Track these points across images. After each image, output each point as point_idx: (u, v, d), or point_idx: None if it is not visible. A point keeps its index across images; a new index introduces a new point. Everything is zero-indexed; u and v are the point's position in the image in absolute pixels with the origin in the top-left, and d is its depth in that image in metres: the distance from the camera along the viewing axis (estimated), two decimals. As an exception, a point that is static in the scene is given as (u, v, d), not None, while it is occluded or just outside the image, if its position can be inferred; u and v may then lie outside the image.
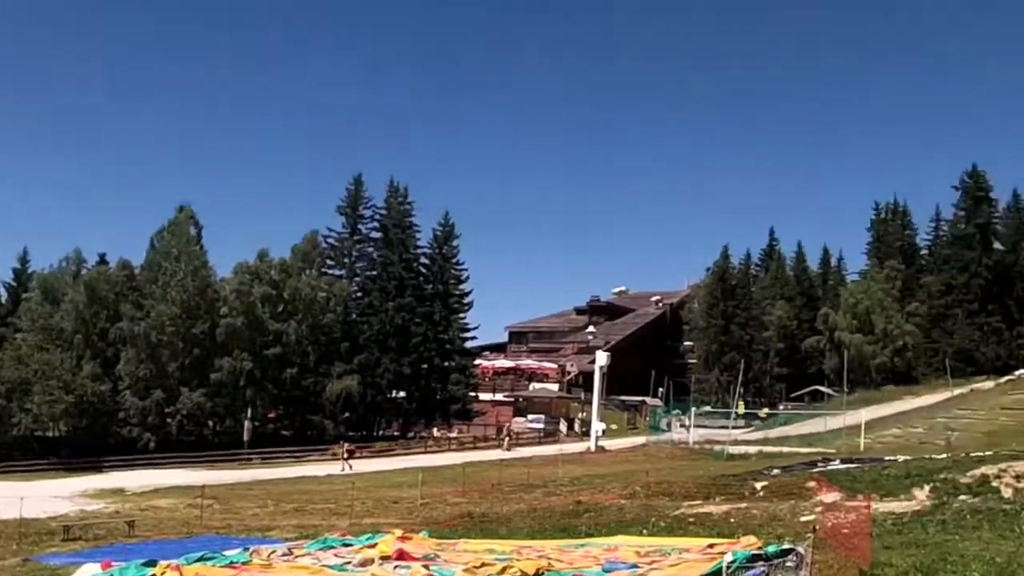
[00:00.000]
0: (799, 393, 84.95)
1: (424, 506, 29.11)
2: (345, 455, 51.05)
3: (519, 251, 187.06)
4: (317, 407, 67.89)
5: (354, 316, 74.77)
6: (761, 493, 22.08)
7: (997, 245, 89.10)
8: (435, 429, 71.69)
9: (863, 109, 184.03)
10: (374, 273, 78.20)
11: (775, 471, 26.18)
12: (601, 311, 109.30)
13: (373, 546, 16.74)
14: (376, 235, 79.65)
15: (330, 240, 79.70)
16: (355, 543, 17.87)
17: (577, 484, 32.22)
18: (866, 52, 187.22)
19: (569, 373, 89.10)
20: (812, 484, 21.76)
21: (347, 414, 69.87)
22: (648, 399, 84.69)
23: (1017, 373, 70.64)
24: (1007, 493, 18.20)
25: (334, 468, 48.70)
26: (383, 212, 79.39)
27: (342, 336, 71.42)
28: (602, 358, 58.86)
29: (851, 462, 27.07)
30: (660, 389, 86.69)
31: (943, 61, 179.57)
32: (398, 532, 18.35)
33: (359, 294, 78.05)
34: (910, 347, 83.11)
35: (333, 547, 17.68)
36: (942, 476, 19.90)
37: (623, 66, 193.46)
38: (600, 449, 54.94)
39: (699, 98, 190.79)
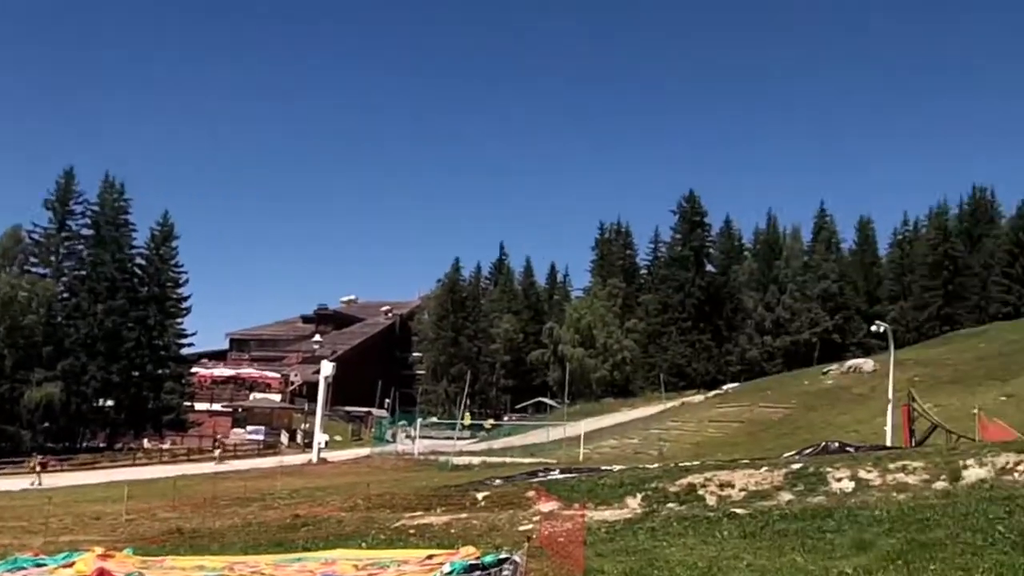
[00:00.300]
0: (524, 404, 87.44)
1: (130, 522, 27.25)
2: (38, 468, 47.44)
3: (244, 256, 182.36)
4: (13, 416, 63.37)
5: (59, 318, 69.97)
6: (482, 503, 22.14)
7: (709, 267, 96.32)
8: (146, 440, 68.64)
9: (590, 131, 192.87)
10: (83, 273, 73.32)
11: (497, 481, 26.42)
12: (328, 320, 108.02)
13: (70, 565, 15.35)
14: (87, 232, 74.67)
15: (35, 236, 73.78)
16: (49, 563, 16.34)
17: (296, 497, 31.27)
18: (588, 76, 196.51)
19: (293, 383, 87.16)
20: (531, 494, 22.02)
21: (48, 424, 65.64)
22: (374, 410, 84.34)
23: (724, 387, 76.09)
24: (711, 501, 19.12)
25: (29, 482, 45.15)
26: (96, 208, 74.57)
27: (44, 340, 66.70)
28: (327, 368, 57.88)
29: (570, 472, 27.78)
30: (387, 400, 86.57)
31: (660, 87, 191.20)
32: (99, 550, 16.94)
33: (66, 295, 72.79)
34: (629, 361, 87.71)
35: (24, 568, 16.06)
36: (653, 485, 20.64)
37: (364, 72, 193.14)
38: (322, 461, 54.09)
39: (433, 106, 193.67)
